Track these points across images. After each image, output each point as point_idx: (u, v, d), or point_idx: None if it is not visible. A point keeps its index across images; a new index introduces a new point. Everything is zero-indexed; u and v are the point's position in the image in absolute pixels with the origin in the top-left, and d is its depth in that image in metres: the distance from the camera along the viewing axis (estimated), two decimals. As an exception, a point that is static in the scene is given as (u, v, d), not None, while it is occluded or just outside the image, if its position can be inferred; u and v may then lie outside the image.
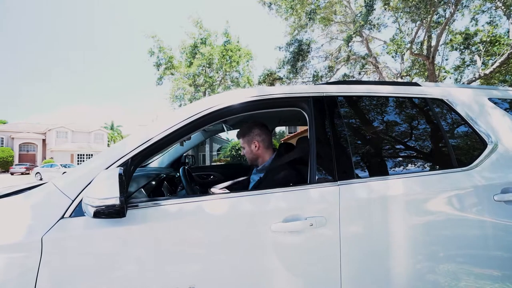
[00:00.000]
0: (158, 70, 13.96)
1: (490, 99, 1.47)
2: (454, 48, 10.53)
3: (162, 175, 2.00)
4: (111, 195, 0.78)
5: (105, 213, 0.79)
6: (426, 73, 10.45)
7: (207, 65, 13.98)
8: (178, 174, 2.02)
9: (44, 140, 34.44)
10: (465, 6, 9.06)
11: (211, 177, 2.79)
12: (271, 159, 1.54)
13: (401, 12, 8.50)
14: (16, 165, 26.99)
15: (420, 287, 1.07)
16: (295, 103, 1.26)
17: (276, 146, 2.38)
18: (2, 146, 31.86)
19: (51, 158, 30.46)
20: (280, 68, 12.17)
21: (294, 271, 0.98)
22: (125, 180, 0.86)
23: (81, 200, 0.88)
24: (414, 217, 1.10)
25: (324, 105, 1.22)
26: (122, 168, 0.89)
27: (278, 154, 1.57)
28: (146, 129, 1.08)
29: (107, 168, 0.96)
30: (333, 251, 1.01)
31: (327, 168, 1.12)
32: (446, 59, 11.14)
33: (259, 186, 1.43)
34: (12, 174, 25.11)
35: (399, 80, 10.72)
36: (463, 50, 10.41)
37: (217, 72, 14.66)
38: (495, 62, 8.64)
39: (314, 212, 1.02)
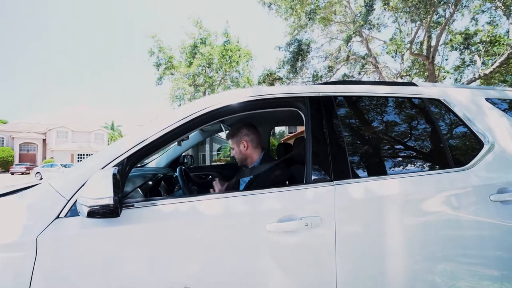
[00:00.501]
0: (158, 70, 13.97)
1: (487, 99, 1.47)
2: (454, 48, 10.52)
3: (159, 175, 2.00)
4: (105, 195, 0.78)
5: (99, 213, 0.79)
6: (426, 73, 10.45)
7: (207, 65, 13.98)
8: (175, 174, 2.02)
9: (44, 140, 34.46)
10: (465, 6, 9.05)
11: (210, 177, 2.80)
12: (260, 158, 1.55)
13: (401, 12, 8.49)
14: (16, 165, 27.02)
15: (416, 287, 1.07)
16: (291, 103, 1.26)
17: (275, 145, 2.37)
18: (3, 146, 31.87)
19: (51, 158, 30.48)
20: (280, 68, 12.17)
21: (289, 271, 0.98)
22: (120, 180, 0.86)
23: (76, 200, 0.88)
24: (410, 217, 1.10)
25: (320, 105, 1.22)
26: (117, 168, 0.89)
27: (266, 153, 1.59)
28: (142, 129, 1.08)
29: (102, 168, 0.96)
30: (328, 251, 1.00)
31: (323, 168, 1.12)
32: (446, 59, 11.14)
33: (251, 186, 1.44)
34: (12, 174, 25.13)
35: (399, 80, 10.71)
36: (463, 50, 10.41)
37: (217, 72, 14.66)
38: (495, 62, 8.64)
39: (309, 212, 1.02)
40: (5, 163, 29.05)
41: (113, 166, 0.96)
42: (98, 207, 0.79)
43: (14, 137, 32.52)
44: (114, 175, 0.80)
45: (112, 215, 0.80)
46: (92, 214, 0.79)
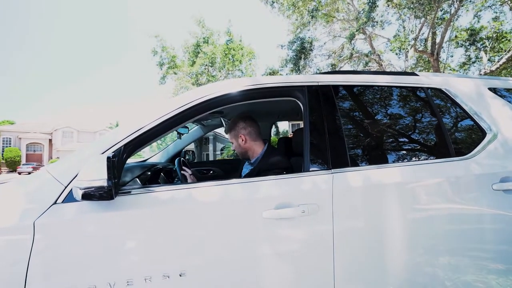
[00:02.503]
0: (161, 69, 14.06)
1: (490, 88, 1.44)
2: (459, 45, 10.38)
3: (159, 166, 2.01)
4: (99, 177, 0.78)
5: (93, 195, 0.80)
6: (430, 71, 10.32)
7: (210, 64, 14.02)
8: (175, 167, 2.04)
9: (50, 140, 34.94)
10: (470, 1, 8.90)
11: (211, 172, 2.80)
12: (264, 151, 1.53)
13: (404, 8, 8.40)
14: (23, 164, 27.46)
15: (416, 274, 1.05)
16: (289, 92, 1.25)
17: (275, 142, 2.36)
18: (10, 146, 32.40)
19: (57, 157, 30.90)
20: (282, 67, 12.14)
21: (286, 257, 0.98)
22: (116, 165, 0.86)
23: (75, 183, 0.89)
24: (409, 205, 1.08)
25: (318, 94, 1.21)
26: (113, 153, 0.89)
27: (269, 146, 1.56)
28: (139, 117, 1.08)
29: (100, 154, 0.96)
30: (325, 238, 1.00)
31: (321, 156, 1.11)
32: (451, 56, 11.03)
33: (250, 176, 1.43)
34: (19, 173, 25.53)
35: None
36: (468, 47, 10.26)
37: (220, 71, 14.69)
38: (502, 58, 8.49)
39: (306, 199, 1.01)
40: (13, 163, 29.53)
41: (110, 153, 0.96)
42: (92, 189, 0.79)
43: (21, 137, 33.04)
44: (108, 158, 0.80)
45: (106, 197, 0.80)
46: (86, 196, 0.80)
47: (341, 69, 12.41)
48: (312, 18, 10.20)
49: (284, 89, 1.24)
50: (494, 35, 9.26)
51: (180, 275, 0.90)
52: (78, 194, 0.81)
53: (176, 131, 2.32)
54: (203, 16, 14.00)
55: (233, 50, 14.04)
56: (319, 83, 1.24)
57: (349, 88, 1.30)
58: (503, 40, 9.23)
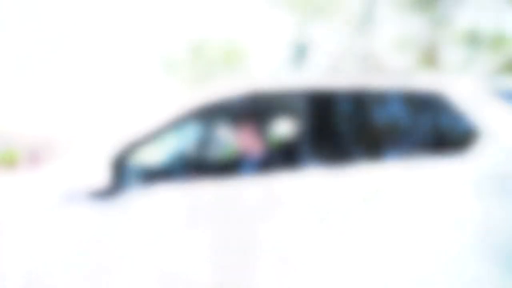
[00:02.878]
0: (162, 70, 14.11)
1: (489, 89, 1.45)
2: (459, 44, 10.41)
3: (160, 166, 2.02)
4: (101, 177, 0.80)
5: (94, 194, 0.81)
6: (430, 71, 10.36)
7: (210, 65, 14.08)
8: (176, 167, 2.05)
9: (50, 140, 35.05)
10: (471, 1, 8.93)
11: (211, 171, 2.81)
12: (264, 150, 1.55)
13: (404, 7, 8.44)
14: (23, 164, 27.55)
15: (411, 275, 1.06)
16: (288, 93, 1.27)
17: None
18: (9, 147, 32.50)
19: (58, 157, 30.90)
20: (283, 68, 12.19)
21: (285, 257, 0.99)
22: (118, 165, 0.88)
23: (76, 184, 0.90)
24: (404, 205, 1.10)
25: (315, 95, 1.24)
26: (115, 153, 0.91)
27: (270, 146, 1.59)
28: (141, 117, 1.10)
29: (101, 155, 0.98)
30: (324, 240, 1.01)
31: (319, 156, 1.13)
32: (451, 56, 11.04)
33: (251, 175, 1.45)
34: (19, 173, 25.60)
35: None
36: (468, 47, 10.29)
37: (220, 72, 14.74)
38: (501, 58, 8.52)
39: (304, 199, 1.03)
40: (12, 164, 29.63)
41: (112, 153, 0.97)
42: (93, 188, 0.81)
43: (21, 138, 33.14)
44: (110, 158, 0.82)
45: (107, 197, 0.82)
46: (87, 195, 0.81)
47: (341, 70, 12.44)
48: (312, 17, 10.24)
49: (282, 91, 1.26)
50: (494, 36, 9.29)
51: (181, 275, 0.91)
52: (81, 192, 0.82)
53: (178, 130, 2.33)
54: (204, 16, 14.06)
55: (234, 50, 14.10)
56: (316, 84, 1.26)
57: (346, 89, 1.31)
58: (502, 40, 9.26)
